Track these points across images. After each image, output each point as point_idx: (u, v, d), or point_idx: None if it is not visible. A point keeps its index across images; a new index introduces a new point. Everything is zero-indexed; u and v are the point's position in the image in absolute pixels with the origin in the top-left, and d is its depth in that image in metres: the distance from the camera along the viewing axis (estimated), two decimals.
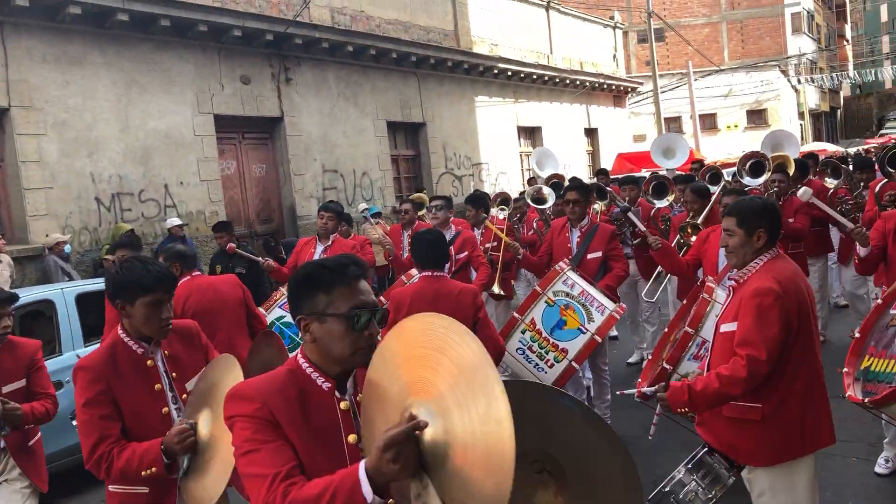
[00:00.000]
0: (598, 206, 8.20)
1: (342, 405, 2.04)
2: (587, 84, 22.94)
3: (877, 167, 8.09)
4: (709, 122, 34.73)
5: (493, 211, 8.30)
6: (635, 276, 7.78)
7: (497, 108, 19.28)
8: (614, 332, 8.87)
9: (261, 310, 5.82)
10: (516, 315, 5.42)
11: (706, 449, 3.28)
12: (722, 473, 3.22)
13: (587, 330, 5.27)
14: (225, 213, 12.42)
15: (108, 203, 10.83)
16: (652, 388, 3.28)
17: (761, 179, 7.97)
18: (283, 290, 5.97)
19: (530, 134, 21.12)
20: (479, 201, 8.01)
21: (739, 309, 3.19)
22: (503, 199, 8.94)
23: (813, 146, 25.86)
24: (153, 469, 2.78)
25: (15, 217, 10.06)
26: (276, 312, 6.27)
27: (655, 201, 8.24)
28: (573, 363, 5.22)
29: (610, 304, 5.42)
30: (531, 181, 12.39)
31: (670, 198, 8.15)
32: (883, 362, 3.47)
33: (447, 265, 6.37)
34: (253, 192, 13.41)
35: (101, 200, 10.75)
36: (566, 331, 5.28)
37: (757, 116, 35.83)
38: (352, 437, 2.02)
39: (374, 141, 15.53)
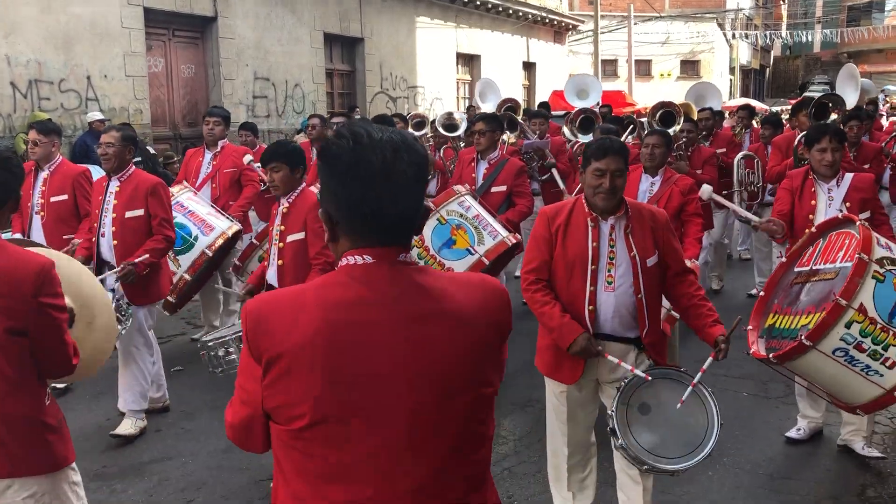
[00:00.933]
0: (507, 137, 8.05)
1: None
2: (529, 16, 22.79)
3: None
4: (644, 69, 35.09)
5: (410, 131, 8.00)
6: None
7: (437, 32, 19.00)
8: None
9: None
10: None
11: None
12: None
13: (475, 252, 5.22)
14: (150, 112, 12.01)
15: (24, 89, 10.30)
16: (723, 353, 3.33)
17: (674, 129, 7.80)
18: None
19: (469, 61, 20.95)
20: (388, 123, 7.33)
21: (655, 240, 3.54)
22: (419, 120, 8.69)
23: (740, 101, 26.57)
24: None
25: None
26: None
27: (580, 135, 8.22)
28: None
29: (504, 231, 5.40)
30: (469, 109, 12.26)
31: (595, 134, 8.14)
32: (787, 319, 3.63)
33: None
34: (180, 93, 12.96)
35: (17, 86, 10.22)
36: (454, 250, 5.23)
37: (690, 67, 36.42)
38: None
39: (310, 52, 15.14)
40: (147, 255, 4.76)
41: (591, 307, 3.39)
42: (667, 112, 8.15)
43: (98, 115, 10.61)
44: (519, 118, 8.93)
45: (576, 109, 9.33)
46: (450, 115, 8.79)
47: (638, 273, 3.36)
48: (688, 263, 4.22)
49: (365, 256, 1.52)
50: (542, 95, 23.16)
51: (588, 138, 8.08)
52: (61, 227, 5.48)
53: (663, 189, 5.37)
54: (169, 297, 5.48)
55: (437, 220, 5.31)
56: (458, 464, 1.56)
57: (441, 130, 8.67)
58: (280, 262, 4.34)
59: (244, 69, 13.68)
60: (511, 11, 21.77)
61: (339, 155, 1.50)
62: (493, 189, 5.92)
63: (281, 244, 4.34)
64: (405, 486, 1.50)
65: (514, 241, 5.38)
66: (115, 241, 4.89)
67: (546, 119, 8.41)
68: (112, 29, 11.35)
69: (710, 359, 3.30)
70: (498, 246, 5.27)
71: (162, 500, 4.20)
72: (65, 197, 5.47)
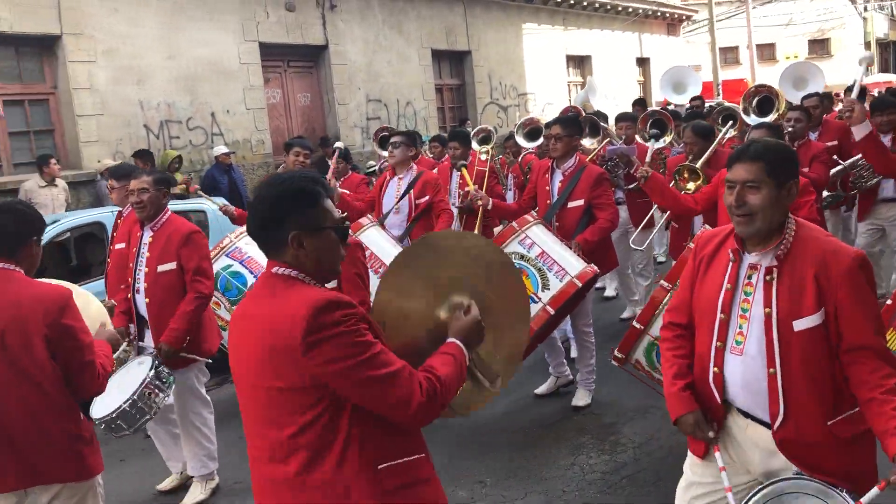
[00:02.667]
0: (590, 143, 7.44)
1: None
2: (640, 11, 22.24)
3: None
4: (767, 53, 33.41)
5: (475, 147, 7.62)
6: (627, 224, 7.10)
7: (545, 37, 18.88)
8: (612, 292, 8.45)
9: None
10: None
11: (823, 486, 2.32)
12: None
13: (539, 300, 4.61)
14: (271, 142, 12.59)
15: (156, 130, 11.07)
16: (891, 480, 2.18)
17: (770, 118, 6.80)
18: (231, 236, 5.46)
19: (579, 63, 20.68)
20: (464, 138, 7.04)
21: (821, 294, 2.41)
22: (484, 135, 8.25)
23: (878, 78, 24.78)
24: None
25: (69, 143, 10.37)
26: (223, 261, 5.40)
27: (652, 140, 7.37)
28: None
29: (574, 268, 4.74)
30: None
31: (668, 137, 7.36)
32: None
33: (407, 211, 6.05)
34: (298, 120, 13.52)
35: (150, 128, 11.00)
36: None
37: (819, 46, 34.34)
38: None
39: (419, 70, 15.42)
40: (178, 328, 4.30)
41: (716, 369, 2.56)
42: (765, 98, 7.13)
43: (223, 149, 11.24)
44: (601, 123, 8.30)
45: (646, 112, 8.41)
46: (531, 119, 8.46)
47: (773, 338, 2.43)
48: None
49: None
50: (657, 91, 22.51)
51: (660, 143, 7.25)
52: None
53: None
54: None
55: None
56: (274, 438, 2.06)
57: (520, 140, 8.30)
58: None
59: (357, 93, 14.10)
60: (621, 8, 21.33)
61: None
62: (570, 204, 5.31)
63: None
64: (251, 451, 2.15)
65: (587, 277, 4.79)
66: (147, 299, 4.44)
67: (634, 122, 7.71)
68: (231, 66, 12.01)
69: (874, 489, 2.25)
70: (565, 290, 4.67)
71: None
72: (172, 266, 4.44)
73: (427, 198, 6.05)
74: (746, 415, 2.54)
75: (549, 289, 4.64)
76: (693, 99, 12.58)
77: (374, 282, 3.49)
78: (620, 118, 8.02)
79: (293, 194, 2.09)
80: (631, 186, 6.83)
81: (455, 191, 6.80)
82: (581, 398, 5.47)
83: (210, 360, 4.64)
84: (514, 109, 17.78)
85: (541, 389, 5.77)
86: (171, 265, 4.39)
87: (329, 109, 13.77)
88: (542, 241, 4.82)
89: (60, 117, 10.33)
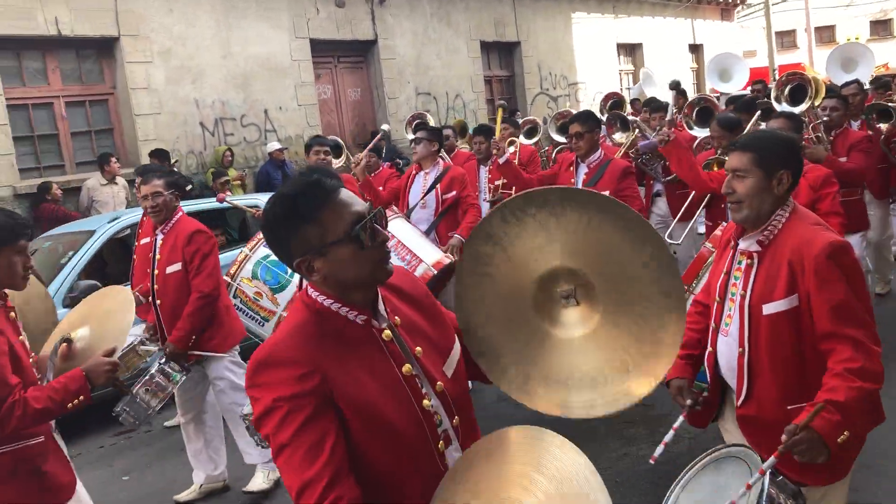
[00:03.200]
0: (620, 137, 7.11)
1: (385, 335, 1.78)
2: None
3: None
4: (826, 35, 32.44)
5: (521, 139, 7.48)
6: (666, 217, 6.77)
7: (595, 25, 18.66)
8: None
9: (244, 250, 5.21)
10: None
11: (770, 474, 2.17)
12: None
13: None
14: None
15: (211, 128, 11.30)
16: (783, 447, 2.20)
17: (802, 107, 6.32)
18: (256, 240, 5.35)
19: (631, 51, 20.39)
20: (489, 133, 6.84)
21: (795, 278, 2.45)
22: (531, 127, 8.12)
23: None
24: (80, 398, 2.84)
25: (127, 142, 10.66)
26: (261, 251, 5.44)
27: (696, 129, 7.02)
28: None
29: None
30: (634, 103, 11.78)
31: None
32: None
33: (434, 206, 5.96)
34: (348, 116, 13.65)
35: (206, 125, 11.23)
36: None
37: (881, 27, 33.18)
38: (406, 368, 1.78)
39: (468, 62, 15.41)
40: (181, 329, 4.34)
41: (710, 348, 2.73)
42: (798, 86, 6.53)
43: (276, 145, 11.41)
44: (628, 115, 7.94)
45: (691, 100, 7.94)
46: (564, 113, 8.25)
47: (744, 320, 2.54)
48: None
49: None
50: (711, 77, 22.04)
51: (706, 132, 6.86)
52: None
53: None
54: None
55: None
56: None
57: (554, 135, 8.10)
58: None
59: (406, 86, 14.16)
60: None
61: None
62: None
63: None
64: None
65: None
66: (159, 301, 4.49)
67: (667, 112, 7.34)
68: (283, 63, 12.18)
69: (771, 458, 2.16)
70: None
71: None
72: (178, 266, 4.47)
73: (454, 193, 5.95)
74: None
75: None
76: (755, 83, 12.23)
77: (395, 260, 3.41)
78: (656, 108, 7.73)
79: (284, 215, 1.72)
80: (669, 178, 6.56)
81: (484, 185, 6.67)
82: None
83: (237, 351, 4.69)
84: (565, 99, 17.62)
85: None
86: (178, 266, 4.41)
87: (379, 104, 13.86)
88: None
89: (119, 117, 10.62)
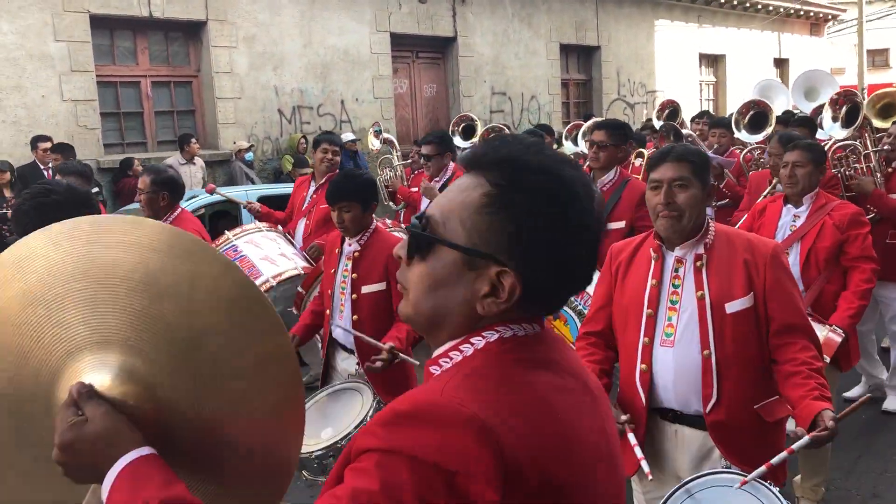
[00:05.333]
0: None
1: None
2: (780, 10, 21.19)
3: None
4: None
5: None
6: None
7: (678, 33, 18.30)
8: None
9: None
10: None
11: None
12: None
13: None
14: (395, 131, 12.81)
15: (289, 115, 11.48)
16: (805, 436, 2.18)
17: (848, 132, 5.59)
18: (230, 233, 5.11)
19: (713, 62, 19.93)
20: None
21: (751, 276, 2.48)
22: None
23: None
24: None
25: (208, 124, 10.91)
26: None
27: (744, 133, 6.47)
28: None
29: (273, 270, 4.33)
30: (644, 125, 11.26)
31: (768, 130, 6.36)
32: None
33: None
34: (422, 111, 13.69)
35: (283, 112, 11.42)
36: None
37: None
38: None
39: (546, 64, 15.29)
40: None
41: (643, 366, 2.53)
42: (854, 108, 5.74)
43: (350, 136, 11.51)
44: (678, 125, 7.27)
45: (744, 102, 7.22)
46: (576, 125, 7.98)
47: (706, 320, 2.46)
48: (822, 333, 3.33)
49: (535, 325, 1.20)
50: (797, 94, 21.38)
51: (759, 137, 6.34)
52: None
53: (810, 222, 3.89)
54: None
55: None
56: None
57: (569, 147, 7.63)
58: (355, 316, 3.58)
59: (482, 85, 14.13)
60: (760, 6, 20.38)
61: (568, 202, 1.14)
62: (610, 226, 4.31)
63: (354, 296, 3.58)
64: None
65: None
66: None
67: (730, 130, 6.63)
68: (362, 56, 12.29)
69: (805, 438, 2.17)
70: None
71: None
72: None
73: None
74: (675, 418, 2.53)
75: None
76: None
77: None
78: (715, 123, 6.93)
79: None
80: (720, 203, 5.96)
81: None
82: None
83: None
84: (642, 107, 17.33)
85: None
86: None
87: (454, 101, 13.86)
88: (257, 244, 4.28)
89: (202, 99, 10.88)
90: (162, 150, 10.40)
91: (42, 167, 8.48)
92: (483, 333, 1.14)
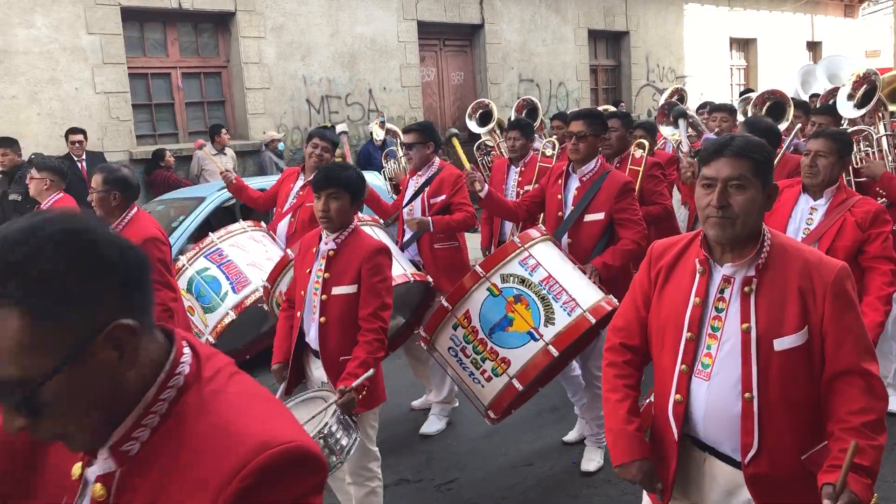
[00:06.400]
0: (672, 132, 6.00)
1: None
2: None
3: None
4: None
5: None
6: None
7: (708, 17, 18.05)
8: None
9: (181, 259, 4.65)
10: (445, 303, 3.83)
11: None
12: None
13: (540, 336, 3.63)
14: (423, 119, 12.80)
15: (317, 105, 11.53)
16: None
17: (862, 111, 5.33)
18: (214, 236, 4.91)
19: (743, 46, 19.63)
20: (526, 128, 5.89)
21: (807, 307, 2.13)
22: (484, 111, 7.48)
23: None
24: None
25: (237, 114, 11.00)
26: (199, 263, 4.82)
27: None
28: (515, 381, 3.62)
29: (588, 299, 3.76)
30: (744, 92, 11.04)
31: (785, 124, 5.89)
32: None
33: (419, 213, 5.02)
34: (450, 99, 13.66)
35: (312, 102, 11.46)
36: (511, 333, 3.66)
37: None
38: None
39: (574, 50, 15.18)
40: None
41: (678, 396, 2.21)
42: (872, 89, 5.35)
43: (343, 127, 11.48)
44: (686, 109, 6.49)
45: (760, 92, 6.68)
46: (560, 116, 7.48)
47: (750, 357, 2.11)
48: None
49: None
50: (820, 80, 20.99)
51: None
52: None
53: (830, 219, 3.62)
54: None
55: (489, 289, 3.75)
56: None
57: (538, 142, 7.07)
58: (322, 318, 3.34)
59: (510, 72, 14.07)
60: None
61: None
62: (587, 217, 4.20)
63: (325, 296, 3.33)
64: None
65: (604, 311, 3.75)
66: None
67: (732, 114, 6.23)
68: (390, 44, 12.29)
69: None
70: (575, 326, 3.68)
71: (428, 476, 4.46)
72: None
73: (443, 198, 4.93)
74: (704, 447, 2.24)
75: (553, 323, 3.66)
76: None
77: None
78: (716, 108, 6.46)
79: None
80: None
81: (512, 189, 5.79)
82: (591, 460, 4.37)
83: None
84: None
85: (570, 437, 4.72)
86: None
87: (481, 89, 13.82)
88: (550, 262, 3.85)
89: (231, 90, 10.97)
90: (193, 140, 10.49)
91: (75, 159, 8.61)
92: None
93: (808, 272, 2.10)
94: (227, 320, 4.78)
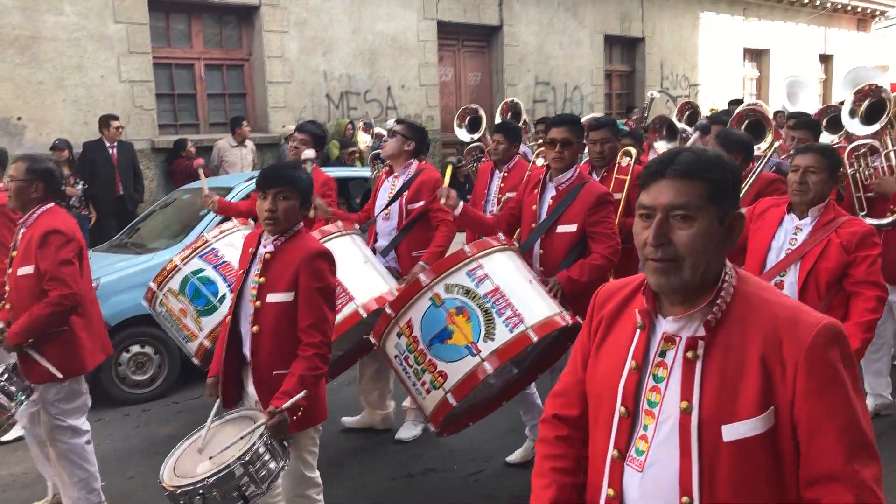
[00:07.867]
0: (666, 147, 5.79)
1: None
2: (828, 4, 20.90)
3: None
4: None
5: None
6: None
7: (723, 26, 18.16)
8: None
9: (174, 259, 4.62)
10: (388, 310, 3.63)
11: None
12: None
13: (478, 351, 3.40)
14: (440, 119, 12.92)
15: (336, 101, 11.64)
16: None
17: (873, 127, 5.00)
18: (208, 235, 4.75)
19: (757, 56, 19.73)
20: (512, 132, 5.64)
21: (772, 382, 1.52)
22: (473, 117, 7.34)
23: None
24: None
25: (258, 107, 11.10)
26: (194, 264, 4.63)
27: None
28: (449, 396, 3.40)
29: (535, 314, 3.51)
30: (777, 115, 10.88)
31: (764, 144, 5.57)
32: None
33: (397, 218, 4.84)
34: (466, 99, 13.74)
35: (332, 98, 11.57)
36: (449, 346, 3.45)
37: None
38: None
39: (590, 54, 15.29)
40: (20, 324, 3.59)
41: (610, 491, 1.66)
42: (878, 103, 5.03)
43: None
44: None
45: (739, 109, 6.13)
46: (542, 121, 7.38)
47: (690, 447, 1.55)
48: None
49: None
50: (839, 90, 21.09)
51: (763, 145, 5.53)
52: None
53: (814, 238, 3.40)
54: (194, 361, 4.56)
55: (431, 299, 3.52)
56: None
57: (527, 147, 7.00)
58: (255, 328, 3.06)
59: (526, 74, 14.18)
60: (807, 1, 20.14)
61: None
62: (560, 229, 4.03)
63: (259, 303, 3.05)
64: None
65: (550, 329, 3.53)
66: (8, 305, 3.77)
67: (725, 126, 5.97)
68: (409, 43, 12.40)
69: None
70: (515, 343, 3.42)
71: (454, 468, 4.59)
72: (30, 270, 3.68)
73: (422, 203, 4.74)
74: None
75: (493, 339, 3.42)
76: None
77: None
78: (801, 125, 5.77)
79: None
80: None
81: (494, 195, 5.53)
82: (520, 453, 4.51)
83: (61, 377, 3.72)
84: (684, 100, 17.24)
85: (514, 457, 4.58)
86: (30, 269, 3.65)
87: (497, 90, 13.92)
88: (502, 274, 3.59)
89: (253, 83, 11.07)
90: (214, 131, 10.62)
91: (108, 144, 8.73)
92: None
93: (777, 333, 1.53)
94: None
